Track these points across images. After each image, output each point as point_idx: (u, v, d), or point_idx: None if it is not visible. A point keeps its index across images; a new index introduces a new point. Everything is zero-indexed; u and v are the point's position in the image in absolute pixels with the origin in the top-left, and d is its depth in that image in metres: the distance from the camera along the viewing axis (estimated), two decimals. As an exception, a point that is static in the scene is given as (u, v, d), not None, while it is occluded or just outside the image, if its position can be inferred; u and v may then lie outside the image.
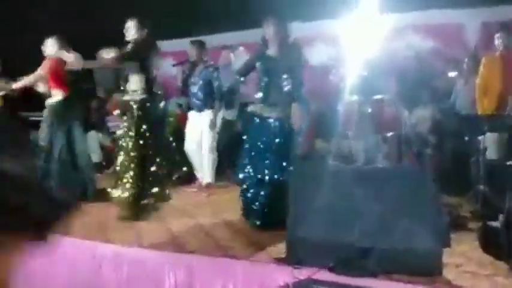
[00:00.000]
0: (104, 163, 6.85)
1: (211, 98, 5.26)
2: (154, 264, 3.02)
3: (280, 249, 2.95)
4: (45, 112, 4.82)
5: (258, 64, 3.92)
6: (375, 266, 2.55)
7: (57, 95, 4.77)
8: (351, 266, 2.55)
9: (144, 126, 4.05)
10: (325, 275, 2.54)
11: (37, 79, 4.81)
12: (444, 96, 5.93)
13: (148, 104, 4.12)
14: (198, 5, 8.29)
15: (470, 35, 6.46)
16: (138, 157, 4.04)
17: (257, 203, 3.67)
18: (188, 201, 4.79)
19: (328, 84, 6.35)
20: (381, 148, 5.64)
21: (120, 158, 4.13)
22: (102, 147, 7.04)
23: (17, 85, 4.89)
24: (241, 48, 6.79)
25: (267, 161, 3.70)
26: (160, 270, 2.98)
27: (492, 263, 2.78)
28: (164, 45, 6.17)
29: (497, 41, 4.65)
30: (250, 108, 4.02)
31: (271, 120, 3.79)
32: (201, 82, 5.28)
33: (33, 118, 6.01)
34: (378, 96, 5.49)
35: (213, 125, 5.20)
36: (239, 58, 6.38)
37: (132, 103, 4.09)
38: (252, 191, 3.72)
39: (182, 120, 6.14)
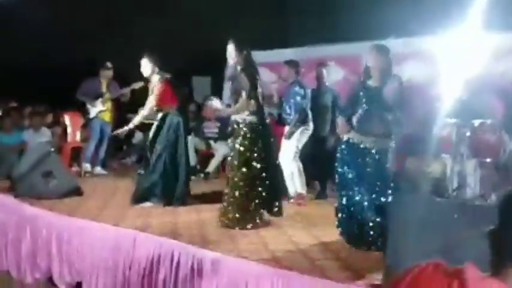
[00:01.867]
0: (198, 166, 7.22)
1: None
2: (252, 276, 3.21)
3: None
4: (157, 122, 5.20)
5: (360, 93, 3.94)
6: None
7: (165, 110, 5.17)
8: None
9: (255, 148, 4.24)
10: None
11: (151, 109, 5.18)
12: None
13: (260, 127, 4.29)
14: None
15: None
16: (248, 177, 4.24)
17: (368, 229, 3.71)
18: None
19: (424, 104, 6.24)
20: (476, 173, 5.47)
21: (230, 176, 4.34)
22: (197, 151, 7.43)
23: (135, 121, 5.39)
24: (332, 63, 6.84)
25: (362, 192, 3.78)
26: (257, 282, 3.16)
27: None
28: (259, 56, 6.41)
29: None
30: (346, 136, 4.03)
31: (367, 150, 3.85)
32: (290, 99, 5.46)
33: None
34: (479, 121, 5.33)
35: (288, 135, 5.38)
36: (330, 72, 6.45)
37: (242, 125, 4.29)
38: (359, 216, 3.77)
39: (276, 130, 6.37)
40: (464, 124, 5.42)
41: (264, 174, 4.28)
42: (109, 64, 7.06)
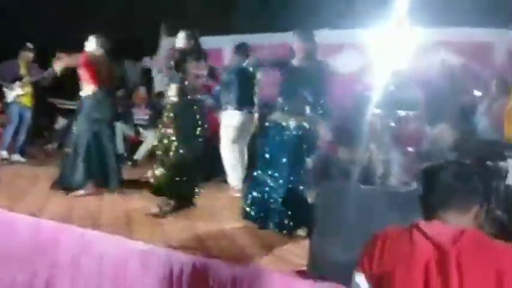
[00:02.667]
0: (126, 154, 6.98)
1: None
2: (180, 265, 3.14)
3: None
4: (78, 104, 4.97)
5: (282, 71, 4.04)
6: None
7: (87, 89, 4.91)
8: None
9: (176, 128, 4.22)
10: (345, 291, 2.63)
11: (75, 62, 4.92)
12: (469, 114, 5.95)
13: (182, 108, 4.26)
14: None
15: (499, 55, 6.47)
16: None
17: (273, 208, 3.84)
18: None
19: (354, 93, 6.40)
20: (400, 162, 5.71)
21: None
22: (125, 138, 7.17)
23: (57, 65, 4.99)
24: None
25: (283, 167, 3.87)
26: (185, 271, 3.10)
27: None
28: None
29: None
30: (269, 116, 4.12)
31: (290, 128, 3.93)
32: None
33: (63, 106, 6.18)
34: (403, 112, 5.55)
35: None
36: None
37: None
38: (267, 194, 3.89)
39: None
40: (388, 115, 5.63)
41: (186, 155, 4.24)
42: (29, 45, 6.61)
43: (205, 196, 4.64)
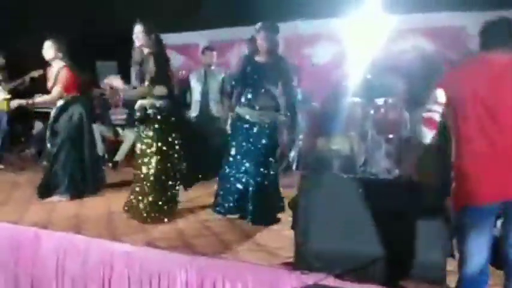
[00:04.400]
0: (106, 156, 6.90)
1: None
2: (166, 264, 3.12)
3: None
4: (55, 110, 4.85)
5: (247, 68, 4.03)
6: (380, 273, 2.66)
7: (67, 98, 4.82)
8: (357, 274, 2.66)
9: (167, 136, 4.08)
10: (332, 282, 2.65)
11: (57, 97, 4.78)
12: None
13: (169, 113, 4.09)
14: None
15: (473, 38, 6.53)
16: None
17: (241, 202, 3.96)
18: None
19: (331, 83, 6.43)
20: (381, 149, 5.76)
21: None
22: (104, 139, 7.08)
23: (37, 100, 4.91)
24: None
25: (250, 164, 3.93)
26: (171, 270, 3.08)
27: (492, 272, 2.89)
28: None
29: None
30: (237, 111, 4.10)
31: (258, 124, 3.97)
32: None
33: (40, 110, 6.06)
34: (381, 99, 5.59)
35: None
36: None
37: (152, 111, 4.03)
38: (237, 189, 3.99)
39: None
40: (367, 103, 5.68)
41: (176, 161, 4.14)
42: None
43: (188, 194, 4.61)
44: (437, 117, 2.31)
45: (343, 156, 5.69)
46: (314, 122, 6.22)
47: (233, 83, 4.22)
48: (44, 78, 5.08)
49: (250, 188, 3.91)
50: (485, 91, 2.20)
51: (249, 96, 4.00)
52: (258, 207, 3.89)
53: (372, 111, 5.58)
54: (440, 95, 2.29)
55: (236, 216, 4.04)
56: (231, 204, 4.02)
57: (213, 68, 6.01)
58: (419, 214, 2.75)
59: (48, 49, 4.79)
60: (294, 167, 6.21)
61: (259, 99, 3.97)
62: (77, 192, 4.78)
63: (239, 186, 3.99)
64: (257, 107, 3.98)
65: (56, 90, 4.76)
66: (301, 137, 6.47)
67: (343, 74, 6.04)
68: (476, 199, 2.20)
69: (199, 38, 8.03)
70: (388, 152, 5.51)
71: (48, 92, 4.87)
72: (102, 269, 3.31)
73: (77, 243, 3.47)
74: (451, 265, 2.76)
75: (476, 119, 2.19)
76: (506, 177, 2.18)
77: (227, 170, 4.04)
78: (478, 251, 2.23)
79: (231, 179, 4.02)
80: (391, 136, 5.46)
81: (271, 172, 3.98)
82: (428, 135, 2.37)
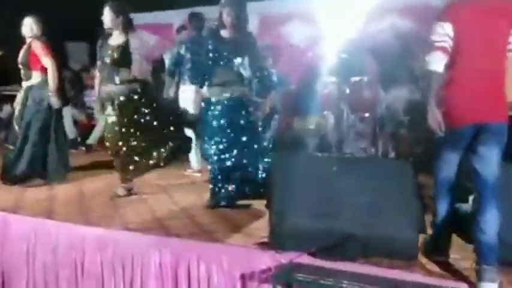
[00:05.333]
0: (79, 139, 6.77)
1: None
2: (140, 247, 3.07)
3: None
4: (23, 93, 4.70)
5: (210, 44, 3.84)
6: (354, 251, 2.67)
7: (36, 77, 4.67)
8: (331, 251, 2.66)
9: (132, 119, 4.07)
10: (306, 259, 2.64)
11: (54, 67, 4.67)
12: (421, 77, 6.03)
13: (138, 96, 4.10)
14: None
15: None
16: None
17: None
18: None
19: (306, 63, 6.38)
20: (356, 128, 5.78)
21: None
22: (76, 122, 6.94)
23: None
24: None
25: (223, 142, 3.79)
26: (145, 252, 3.03)
27: (462, 246, 2.93)
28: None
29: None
30: (203, 92, 3.93)
31: (226, 102, 3.82)
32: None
33: (8, 93, 5.90)
34: (356, 78, 5.57)
35: None
36: None
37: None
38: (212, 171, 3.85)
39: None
40: (343, 82, 5.66)
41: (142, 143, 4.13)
42: None
43: (162, 176, 4.56)
44: (448, 47, 2.55)
45: (318, 136, 5.69)
46: (290, 102, 6.18)
47: (188, 56, 4.04)
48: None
49: (224, 171, 3.80)
50: (478, 28, 2.53)
51: (214, 72, 3.84)
52: (239, 186, 3.82)
53: (347, 90, 5.57)
54: (449, 28, 2.54)
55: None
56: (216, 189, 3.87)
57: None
58: (392, 191, 2.76)
59: (28, 26, 4.66)
60: (270, 147, 6.17)
61: (224, 75, 3.83)
62: (40, 177, 4.67)
63: (213, 169, 3.87)
64: (222, 84, 3.82)
65: (49, 63, 4.62)
66: (277, 117, 6.44)
67: (319, 54, 6.00)
68: (454, 122, 2.57)
69: (173, 17, 7.87)
70: (363, 131, 5.53)
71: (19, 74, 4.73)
72: (74, 254, 3.25)
73: (48, 228, 3.39)
74: (467, 261, 2.68)
75: (468, 52, 2.53)
76: (478, 105, 2.53)
77: (204, 151, 3.94)
78: (449, 163, 2.68)
79: (209, 160, 3.92)
80: (366, 115, 5.46)
81: (245, 152, 3.84)
82: (442, 62, 2.57)
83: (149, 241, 3.09)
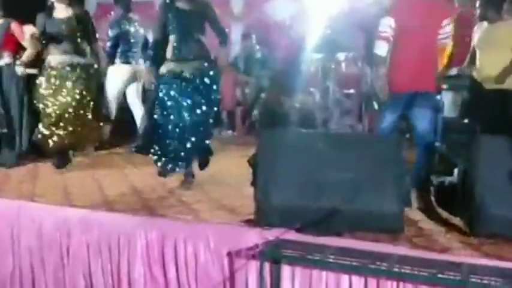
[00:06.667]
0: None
1: None
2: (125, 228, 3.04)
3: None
4: None
5: (169, 15, 3.68)
6: (340, 225, 2.67)
7: (7, 58, 4.66)
8: (316, 227, 2.65)
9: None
10: (293, 236, 2.64)
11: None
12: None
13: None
14: None
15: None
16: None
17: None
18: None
19: (291, 40, 6.32)
20: (342, 105, 5.77)
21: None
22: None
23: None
24: None
25: (183, 117, 3.62)
26: (131, 233, 3.01)
27: (448, 219, 2.95)
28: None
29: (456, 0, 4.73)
30: (162, 69, 3.74)
31: (187, 75, 3.64)
32: None
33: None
34: (342, 54, 5.54)
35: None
36: None
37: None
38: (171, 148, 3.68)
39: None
40: (328, 58, 5.62)
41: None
42: None
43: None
44: (390, 36, 3.34)
45: (305, 113, 5.68)
46: (275, 79, 6.13)
47: (158, 29, 3.79)
48: None
49: (183, 148, 3.68)
50: (414, 20, 3.31)
51: (176, 46, 3.66)
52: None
53: (332, 67, 5.54)
54: (392, 21, 3.36)
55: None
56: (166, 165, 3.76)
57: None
58: (378, 166, 2.75)
59: None
60: (257, 125, 6.17)
61: (184, 48, 3.65)
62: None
63: (171, 146, 3.69)
64: (183, 58, 3.64)
65: (30, 46, 4.59)
66: (263, 95, 6.41)
67: (304, 30, 5.93)
68: (396, 88, 3.40)
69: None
70: (349, 108, 5.52)
71: None
72: (59, 237, 3.21)
73: (30, 211, 3.34)
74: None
75: (409, 34, 3.29)
76: (413, 78, 3.31)
77: (159, 132, 3.71)
78: (390, 119, 3.47)
79: (163, 138, 3.70)
80: (352, 91, 5.45)
81: (205, 128, 3.72)
82: (384, 48, 3.36)
83: (134, 221, 3.07)
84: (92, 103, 4.39)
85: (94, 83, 4.47)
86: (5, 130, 4.70)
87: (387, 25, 3.34)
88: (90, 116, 4.38)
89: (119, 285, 3.03)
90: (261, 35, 6.00)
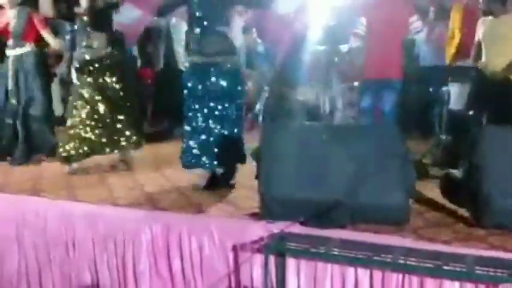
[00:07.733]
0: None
1: None
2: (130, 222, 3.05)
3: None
4: (10, 64, 4.61)
5: (188, 7, 3.53)
6: (344, 218, 2.66)
7: (27, 46, 4.61)
8: (321, 219, 2.64)
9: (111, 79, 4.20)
10: (297, 229, 2.63)
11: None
12: (409, 43, 5.95)
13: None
14: None
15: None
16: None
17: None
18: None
19: (294, 33, 6.27)
20: (345, 97, 5.73)
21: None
22: (63, 99, 6.82)
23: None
24: None
25: (212, 111, 3.53)
26: (135, 227, 3.01)
27: (454, 211, 2.94)
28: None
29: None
30: (188, 61, 3.66)
31: (212, 70, 3.50)
32: None
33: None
34: (345, 46, 5.50)
35: None
36: None
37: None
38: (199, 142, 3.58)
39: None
40: (332, 50, 5.59)
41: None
42: None
43: (148, 149, 4.53)
44: (362, 33, 4.47)
45: (308, 106, 5.66)
46: (278, 72, 6.10)
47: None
48: None
49: (211, 143, 3.56)
50: (382, 17, 4.22)
51: (200, 40, 3.52)
52: (219, 159, 3.57)
53: (336, 59, 5.50)
54: (363, 19, 4.39)
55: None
56: (192, 159, 3.64)
57: (174, 20, 5.79)
58: (382, 158, 2.74)
59: None
60: (260, 119, 6.15)
61: (212, 42, 3.51)
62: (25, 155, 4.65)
63: (199, 141, 3.59)
64: (206, 53, 3.49)
65: (50, 38, 4.63)
66: (266, 88, 6.38)
67: (307, 22, 5.89)
68: (367, 74, 4.51)
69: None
70: (352, 100, 5.49)
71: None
72: (64, 232, 3.21)
73: (36, 206, 3.35)
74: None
75: (378, 30, 4.25)
76: (382, 66, 4.29)
77: (186, 128, 3.66)
78: (368, 100, 4.57)
79: (192, 134, 3.62)
80: (356, 84, 5.41)
81: (233, 123, 3.59)
82: (356, 42, 4.49)
83: (139, 216, 3.07)
84: None
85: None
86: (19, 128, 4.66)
87: (359, 23, 4.32)
88: None
89: (124, 279, 3.04)
90: (263, 29, 5.96)
